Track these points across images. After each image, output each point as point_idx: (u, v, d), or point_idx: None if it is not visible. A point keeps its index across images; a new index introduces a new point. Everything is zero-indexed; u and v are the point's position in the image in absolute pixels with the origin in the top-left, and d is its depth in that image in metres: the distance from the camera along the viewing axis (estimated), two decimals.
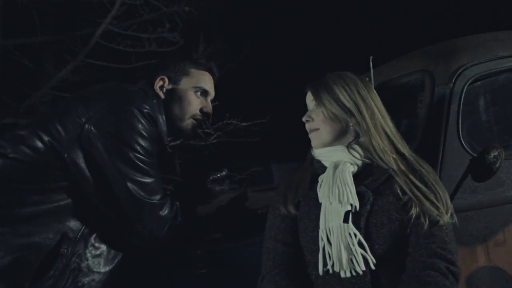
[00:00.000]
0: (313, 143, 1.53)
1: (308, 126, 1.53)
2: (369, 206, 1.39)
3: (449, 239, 1.37)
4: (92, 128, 1.52)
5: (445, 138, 1.83)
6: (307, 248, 1.45)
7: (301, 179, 1.54)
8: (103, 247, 1.60)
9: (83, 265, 1.54)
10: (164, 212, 1.59)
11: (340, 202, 1.39)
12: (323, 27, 9.76)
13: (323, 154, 1.52)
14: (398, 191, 1.40)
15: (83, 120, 1.53)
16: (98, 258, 1.58)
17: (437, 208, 1.37)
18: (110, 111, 1.55)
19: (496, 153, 1.71)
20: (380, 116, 1.48)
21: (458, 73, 1.92)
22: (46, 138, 1.52)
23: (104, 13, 5.36)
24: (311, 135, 1.53)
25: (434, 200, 1.38)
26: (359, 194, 1.40)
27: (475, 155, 1.80)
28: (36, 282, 1.46)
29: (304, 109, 1.58)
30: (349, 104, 1.47)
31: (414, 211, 1.36)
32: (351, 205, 1.39)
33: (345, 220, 1.37)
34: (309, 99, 1.55)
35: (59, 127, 1.53)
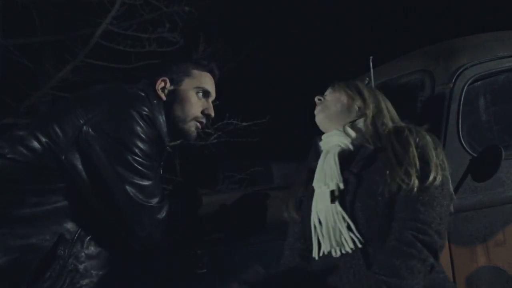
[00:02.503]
0: (317, 116, 1.59)
1: (317, 105, 1.60)
2: (354, 187, 1.42)
3: (425, 208, 1.34)
4: (90, 130, 1.52)
5: (445, 138, 1.83)
6: (308, 235, 1.50)
7: (300, 178, 1.61)
8: (101, 249, 1.59)
9: (81, 266, 1.53)
10: (163, 215, 1.58)
11: (326, 184, 1.45)
12: (323, 27, 9.76)
13: (324, 139, 1.58)
14: (381, 166, 1.41)
15: (82, 121, 1.53)
16: (95, 259, 1.58)
17: (407, 173, 1.34)
18: (109, 113, 1.54)
19: (496, 153, 1.71)
20: (386, 109, 1.55)
21: (458, 73, 1.92)
22: (43, 139, 1.52)
23: (104, 13, 5.36)
24: (316, 108, 1.59)
25: (407, 166, 1.35)
26: (345, 175, 1.45)
27: (475, 155, 1.80)
28: (33, 283, 1.46)
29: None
30: (363, 91, 1.57)
31: (389, 180, 1.36)
32: (338, 186, 1.43)
33: (332, 201, 1.42)
34: (328, 90, 1.64)
35: (57, 128, 1.53)
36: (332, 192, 1.43)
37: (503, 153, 1.69)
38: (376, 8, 10.04)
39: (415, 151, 1.38)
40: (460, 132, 1.85)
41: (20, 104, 5.55)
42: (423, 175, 1.35)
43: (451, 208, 1.46)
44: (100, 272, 1.58)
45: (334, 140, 1.53)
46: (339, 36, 9.53)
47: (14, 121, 5.17)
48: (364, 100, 1.54)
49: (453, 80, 1.91)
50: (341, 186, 1.43)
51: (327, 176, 1.46)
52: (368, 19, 10.16)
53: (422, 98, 1.99)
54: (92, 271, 1.56)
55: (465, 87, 1.91)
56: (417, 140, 1.40)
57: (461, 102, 1.89)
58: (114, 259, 1.64)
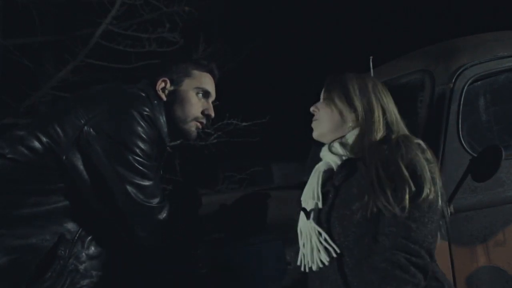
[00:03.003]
0: (313, 133, 1.58)
1: (314, 117, 1.59)
2: (331, 201, 1.42)
3: (417, 225, 1.29)
4: (91, 130, 1.52)
5: (445, 138, 1.83)
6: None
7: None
8: (101, 249, 1.59)
9: (81, 266, 1.53)
10: (163, 215, 1.58)
11: (305, 202, 1.48)
12: (323, 27, 9.76)
13: (322, 152, 1.57)
14: (361, 181, 1.37)
15: (82, 122, 1.53)
16: (96, 259, 1.58)
17: (388, 200, 1.29)
18: (110, 113, 1.54)
19: (496, 153, 1.71)
20: (380, 117, 1.47)
21: (458, 73, 1.92)
22: (44, 139, 1.52)
23: (104, 13, 5.36)
24: (312, 124, 1.58)
25: (388, 193, 1.30)
26: (327, 188, 1.45)
27: (475, 155, 1.80)
28: (33, 283, 1.46)
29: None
30: (355, 101, 1.49)
31: (370, 203, 1.31)
32: (316, 204, 1.44)
33: (308, 217, 1.44)
34: (323, 91, 1.59)
35: (58, 129, 1.53)
36: (304, 209, 1.45)
37: (503, 153, 1.69)
38: (376, 8, 10.05)
39: (405, 171, 1.30)
40: (460, 132, 1.85)
41: (20, 104, 5.55)
42: (415, 193, 1.29)
43: (450, 209, 1.45)
44: (101, 273, 1.58)
45: (325, 157, 1.53)
46: (339, 36, 9.54)
47: (14, 121, 5.17)
48: (355, 111, 1.48)
49: (453, 80, 1.91)
50: (320, 205, 1.44)
51: (307, 195, 1.49)
52: (368, 19, 10.16)
53: (422, 98, 1.99)
54: (92, 271, 1.56)
55: (465, 87, 1.91)
56: (409, 156, 1.32)
57: (461, 102, 1.89)
58: (115, 259, 1.64)
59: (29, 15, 5.76)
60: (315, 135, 1.57)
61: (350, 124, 1.50)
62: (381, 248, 1.30)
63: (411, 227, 1.28)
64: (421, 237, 1.29)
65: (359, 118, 1.48)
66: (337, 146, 1.49)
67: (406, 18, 9.63)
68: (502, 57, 1.98)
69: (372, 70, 2.06)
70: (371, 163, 1.36)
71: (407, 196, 1.29)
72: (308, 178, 1.60)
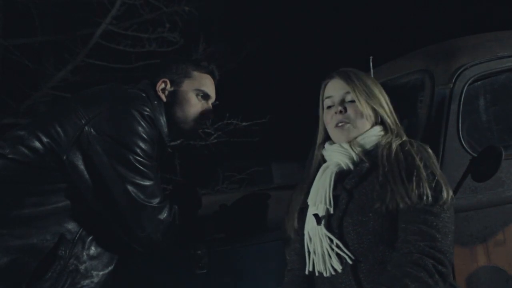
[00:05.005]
0: (339, 136, 1.52)
1: (339, 118, 1.51)
2: (344, 206, 1.41)
3: (441, 236, 1.32)
4: (92, 130, 1.52)
5: (445, 138, 1.83)
6: (303, 251, 1.50)
7: (302, 184, 1.59)
8: (102, 249, 1.59)
9: (81, 267, 1.53)
10: (163, 215, 1.58)
11: (315, 205, 1.45)
12: (323, 27, 9.76)
13: (327, 151, 1.55)
14: (377, 184, 1.38)
15: (83, 122, 1.53)
16: (96, 259, 1.58)
17: (406, 191, 1.32)
18: (111, 113, 1.55)
19: (496, 153, 1.71)
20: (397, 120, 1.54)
21: (458, 73, 1.92)
22: (45, 139, 1.52)
23: (104, 13, 5.36)
24: (340, 127, 1.51)
25: (416, 184, 1.33)
26: (336, 195, 1.43)
27: (475, 155, 1.80)
28: (33, 283, 1.46)
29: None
30: (385, 103, 1.53)
31: (387, 197, 1.33)
32: (327, 209, 1.42)
33: (318, 222, 1.41)
34: (340, 89, 1.53)
35: (59, 129, 1.53)
36: (316, 215, 1.42)
37: (503, 153, 1.69)
38: (377, 8, 10.05)
39: (422, 167, 1.35)
40: (460, 132, 1.85)
41: (20, 104, 5.55)
42: (435, 190, 1.34)
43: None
44: (101, 273, 1.59)
45: (335, 156, 1.50)
46: (339, 36, 9.54)
47: (14, 121, 5.17)
48: (377, 114, 1.51)
49: (453, 80, 1.91)
50: (331, 210, 1.42)
51: (317, 197, 1.45)
52: (368, 19, 10.16)
53: (422, 98, 1.99)
54: (93, 272, 1.56)
55: (465, 87, 1.91)
56: (419, 155, 1.38)
57: (461, 102, 1.89)
58: (115, 259, 1.64)
59: (29, 15, 5.77)
60: (346, 138, 1.51)
61: (369, 126, 1.51)
62: (407, 253, 1.31)
63: (436, 237, 1.31)
64: (445, 247, 1.31)
65: (385, 120, 1.50)
66: (355, 149, 1.48)
67: (406, 18, 9.63)
68: (502, 57, 1.97)
69: (372, 70, 2.06)
70: (394, 162, 1.38)
71: (432, 189, 1.33)
72: (306, 176, 1.59)
